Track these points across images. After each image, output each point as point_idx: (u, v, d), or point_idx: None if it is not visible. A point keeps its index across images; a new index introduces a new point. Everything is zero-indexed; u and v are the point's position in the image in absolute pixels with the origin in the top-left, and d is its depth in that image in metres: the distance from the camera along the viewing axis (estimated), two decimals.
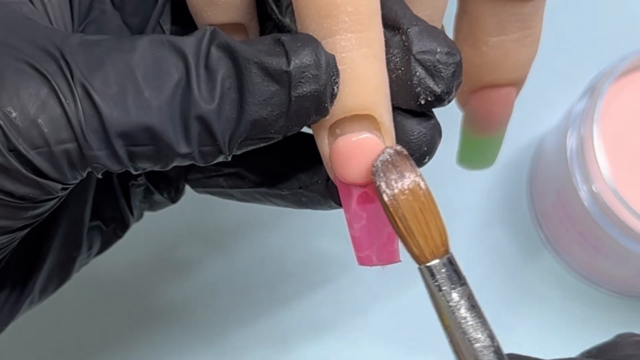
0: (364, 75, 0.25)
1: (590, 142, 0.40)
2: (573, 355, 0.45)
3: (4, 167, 0.24)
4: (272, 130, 0.25)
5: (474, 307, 0.25)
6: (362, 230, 0.27)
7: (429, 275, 0.25)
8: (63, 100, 0.24)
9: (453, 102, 0.33)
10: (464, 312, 0.25)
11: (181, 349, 0.46)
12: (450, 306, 0.25)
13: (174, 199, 0.34)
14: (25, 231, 0.27)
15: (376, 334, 0.46)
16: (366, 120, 0.25)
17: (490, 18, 0.30)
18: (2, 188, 0.25)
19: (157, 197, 0.34)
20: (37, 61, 0.25)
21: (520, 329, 0.45)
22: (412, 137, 0.26)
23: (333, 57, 0.25)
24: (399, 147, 0.26)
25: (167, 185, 0.33)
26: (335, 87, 0.25)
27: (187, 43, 0.25)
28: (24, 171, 0.25)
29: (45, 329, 0.45)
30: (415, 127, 0.26)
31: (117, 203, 0.33)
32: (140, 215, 0.35)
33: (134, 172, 0.26)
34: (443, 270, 0.25)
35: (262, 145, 0.26)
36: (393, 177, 0.25)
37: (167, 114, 0.25)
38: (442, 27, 0.30)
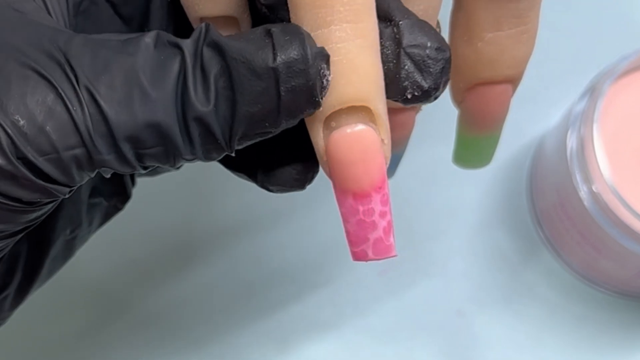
0: (360, 66, 0.25)
1: (590, 142, 0.39)
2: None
3: (12, 175, 0.24)
4: (266, 125, 0.25)
5: None
6: (358, 224, 0.26)
7: None
8: (70, 106, 0.24)
9: (450, 100, 0.33)
10: None
11: (180, 349, 0.46)
12: None
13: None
14: (24, 233, 0.27)
15: (376, 334, 0.45)
16: (362, 112, 0.25)
17: (486, 13, 0.30)
18: (11, 194, 0.25)
19: None
20: (42, 66, 0.25)
21: (520, 329, 0.45)
22: None
23: (320, 50, 0.24)
24: None
25: None
26: (324, 80, 0.25)
27: (186, 44, 0.25)
28: (33, 177, 0.25)
29: (38, 326, 0.45)
30: None
31: (121, 177, 0.33)
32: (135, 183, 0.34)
33: (143, 172, 0.26)
34: None
35: (262, 139, 0.26)
36: None
37: (173, 114, 0.25)
38: (438, 22, 0.30)
